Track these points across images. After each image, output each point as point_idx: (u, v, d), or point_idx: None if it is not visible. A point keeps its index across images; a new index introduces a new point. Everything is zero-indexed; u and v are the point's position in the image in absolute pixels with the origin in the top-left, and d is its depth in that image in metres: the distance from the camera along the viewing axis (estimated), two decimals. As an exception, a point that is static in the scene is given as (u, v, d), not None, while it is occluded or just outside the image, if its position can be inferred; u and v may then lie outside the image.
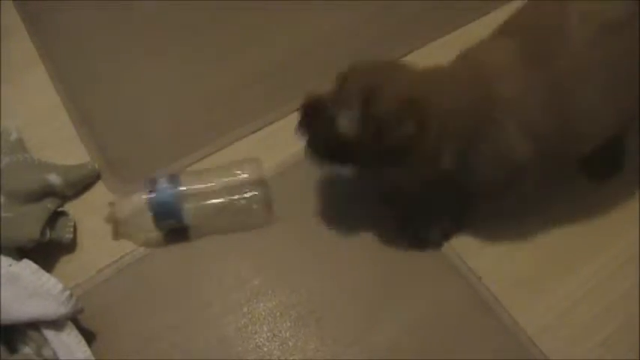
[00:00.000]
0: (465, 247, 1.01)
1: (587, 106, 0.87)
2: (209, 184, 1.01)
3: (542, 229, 1.03)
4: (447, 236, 1.02)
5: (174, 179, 1.00)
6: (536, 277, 0.99)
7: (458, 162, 0.88)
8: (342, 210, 1.06)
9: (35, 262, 0.94)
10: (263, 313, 0.96)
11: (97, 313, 0.96)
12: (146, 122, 1.17)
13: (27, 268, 0.93)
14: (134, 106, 1.20)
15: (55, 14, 1.35)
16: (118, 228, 1.02)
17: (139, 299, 0.98)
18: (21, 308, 0.90)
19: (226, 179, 1.02)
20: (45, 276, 0.93)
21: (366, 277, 1.00)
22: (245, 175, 1.02)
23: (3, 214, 0.99)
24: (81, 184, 1.10)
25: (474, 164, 0.88)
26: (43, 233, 0.99)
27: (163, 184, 0.99)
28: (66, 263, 1.01)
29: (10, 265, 0.93)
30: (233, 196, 1.01)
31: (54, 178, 1.06)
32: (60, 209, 1.04)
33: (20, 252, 0.98)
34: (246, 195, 1.01)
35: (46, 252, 1.00)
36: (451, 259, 1.00)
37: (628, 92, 0.90)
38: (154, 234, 1.02)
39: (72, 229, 1.03)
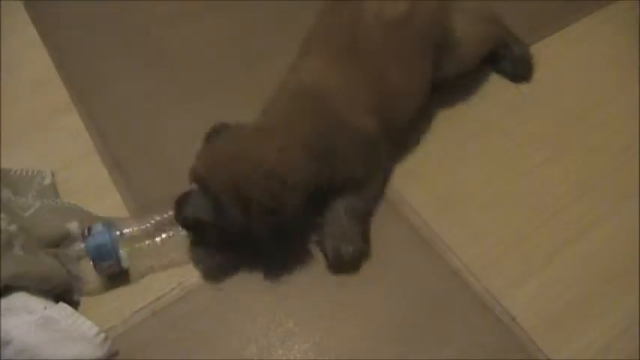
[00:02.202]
0: (498, 287, 1.01)
1: (397, 83, 1.08)
2: (144, 225, 1.03)
3: (576, 267, 1.03)
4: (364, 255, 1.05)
5: (109, 224, 1.01)
6: (570, 316, 0.98)
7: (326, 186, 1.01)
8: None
9: (69, 304, 0.95)
10: (298, 355, 0.96)
11: (131, 356, 0.96)
12: (179, 167, 1.18)
13: (62, 311, 0.94)
14: (167, 151, 1.22)
15: (89, 62, 1.39)
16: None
17: (174, 342, 0.98)
18: (56, 351, 0.90)
19: (159, 218, 1.03)
20: (80, 319, 0.93)
21: (397, 318, 0.99)
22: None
23: (26, 255, 0.99)
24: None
25: (339, 172, 1.02)
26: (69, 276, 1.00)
27: (98, 228, 1.00)
28: (100, 306, 1.02)
29: (46, 308, 0.93)
30: (170, 232, 1.03)
31: (74, 227, 1.06)
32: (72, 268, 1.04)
33: (54, 295, 0.98)
34: (181, 231, 1.03)
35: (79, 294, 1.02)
36: (484, 299, 1.00)
37: (422, 68, 1.13)
38: (95, 283, 1.03)
39: (80, 291, 1.03)
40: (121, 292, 1.03)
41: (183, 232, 1.03)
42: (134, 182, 1.18)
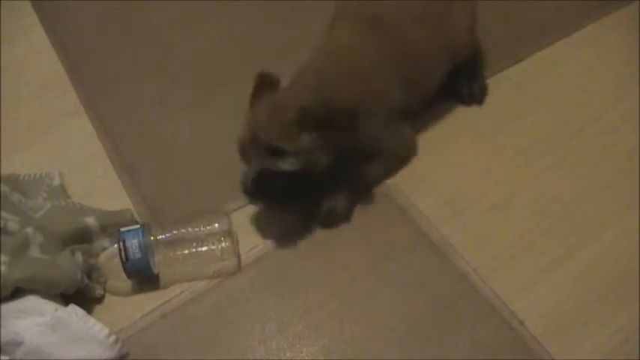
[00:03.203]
0: (506, 291, 1.02)
1: (419, 51, 1.15)
2: (180, 233, 1.05)
3: (583, 272, 1.04)
4: (351, 208, 1.12)
5: (144, 234, 1.01)
6: (578, 320, 0.99)
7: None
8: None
9: (80, 306, 0.95)
10: (307, 357, 0.97)
11: (141, 358, 0.96)
12: (188, 171, 1.20)
13: (73, 312, 0.94)
14: (176, 154, 1.23)
15: (98, 65, 1.40)
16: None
17: (183, 343, 0.99)
18: (67, 353, 0.91)
19: (198, 229, 1.05)
20: (91, 321, 0.94)
21: (405, 321, 1.00)
22: (217, 225, 1.05)
23: (42, 256, 1.00)
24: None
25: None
26: (81, 279, 1.00)
27: (135, 250, 1.00)
28: (110, 308, 1.03)
29: (57, 310, 0.94)
30: (205, 246, 1.04)
31: (92, 222, 1.08)
32: (93, 262, 1.06)
33: (65, 298, 0.99)
34: (219, 245, 1.04)
35: (89, 297, 1.02)
36: (492, 302, 1.01)
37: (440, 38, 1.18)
38: (123, 283, 1.04)
39: (103, 286, 1.05)
40: (131, 294, 1.04)
41: (219, 246, 1.04)
42: (143, 186, 1.18)
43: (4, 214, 1.03)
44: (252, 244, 1.09)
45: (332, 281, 1.04)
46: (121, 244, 1.00)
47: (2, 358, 0.91)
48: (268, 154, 1.01)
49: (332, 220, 1.11)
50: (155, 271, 1.02)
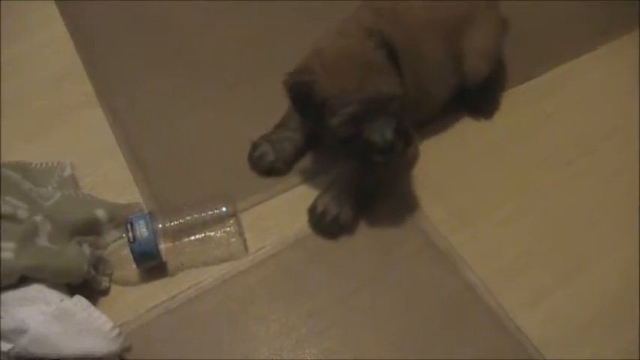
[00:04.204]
0: (513, 304, 1.02)
1: (429, 62, 1.14)
2: (186, 220, 1.04)
3: (590, 290, 1.03)
4: (356, 218, 1.10)
5: (150, 218, 1.02)
6: (583, 338, 0.98)
7: None
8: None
9: (85, 297, 0.95)
10: (308, 358, 0.97)
11: (144, 352, 0.97)
12: (199, 168, 1.20)
13: (79, 303, 0.94)
14: (188, 149, 1.23)
15: (115, 58, 1.40)
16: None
17: (186, 340, 0.98)
18: (70, 343, 0.91)
19: (203, 214, 1.05)
20: (96, 313, 0.94)
21: (409, 327, 1.00)
22: (223, 209, 1.05)
23: (50, 245, 1.00)
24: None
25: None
26: (88, 270, 1.00)
27: (143, 230, 1.01)
28: (115, 301, 1.03)
29: (62, 300, 0.94)
30: (210, 231, 1.04)
31: (101, 214, 1.08)
32: (100, 254, 1.06)
33: (70, 288, 0.99)
34: (224, 229, 1.04)
35: (95, 289, 1.02)
36: (498, 315, 1.00)
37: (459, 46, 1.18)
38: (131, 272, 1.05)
39: (109, 279, 1.05)
40: (137, 289, 1.04)
41: (226, 229, 1.04)
42: (154, 180, 1.18)
43: (14, 201, 1.03)
44: (260, 244, 1.09)
45: (338, 286, 1.04)
46: (129, 225, 1.01)
47: (4, 344, 0.91)
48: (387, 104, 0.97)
49: (335, 230, 1.09)
50: (163, 258, 1.03)
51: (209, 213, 1.05)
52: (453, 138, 1.24)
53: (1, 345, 0.91)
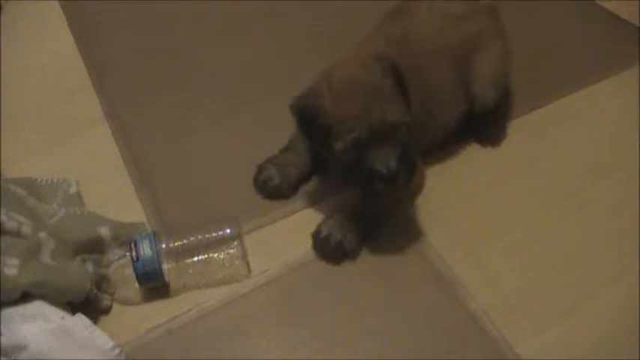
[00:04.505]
0: (514, 334, 1.01)
1: (435, 86, 1.15)
2: (190, 241, 1.04)
3: (593, 324, 1.03)
4: (360, 245, 1.10)
5: (154, 239, 1.02)
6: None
7: None
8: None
9: (86, 316, 0.95)
10: (308, 382, 0.96)
11: (143, 373, 0.96)
12: (205, 188, 1.20)
13: (80, 322, 0.94)
14: (194, 169, 1.24)
15: (124, 76, 1.41)
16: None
17: (186, 362, 0.98)
18: (70, 361, 0.90)
19: (207, 235, 1.05)
20: (96, 331, 0.93)
21: (409, 353, 0.99)
22: (227, 231, 1.05)
23: (53, 262, 1.00)
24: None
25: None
26: (90, 288, 1.00)
27: (146, 251, 1.01)
28: (117, 319, 1.02)
29: (63, 318, 0.94)
30: (214, 252, 1.04)
31: (105, 232, 1.08)
32: (103, 272, 1.05)
33: (72, 306, 0.99)
34: (228, 251, 1.05)
35: (97, 308, 1.02)
36: (499, 345, 1.00)
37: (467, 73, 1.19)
38: (133, 292, 1.04)
39: (111, 297, 1.04)
40: (139, 308, 1.04)
41: (230, 251, 1.05)
42: (159, 200, 1.19)
43: (18, 217, 1.03)
44: (263, 267, 1.09)
45: (340, 311, 1.04)
46: (132, 244, 1.01)
47: (2, 360, 0.91)
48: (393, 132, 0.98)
49: (339, 255, 1.09)
50: (166, 279, 1.03)
51: (213, 234, 1.05)
52: (458, 165, 1.24)
53: (1, 361, 0.90)
